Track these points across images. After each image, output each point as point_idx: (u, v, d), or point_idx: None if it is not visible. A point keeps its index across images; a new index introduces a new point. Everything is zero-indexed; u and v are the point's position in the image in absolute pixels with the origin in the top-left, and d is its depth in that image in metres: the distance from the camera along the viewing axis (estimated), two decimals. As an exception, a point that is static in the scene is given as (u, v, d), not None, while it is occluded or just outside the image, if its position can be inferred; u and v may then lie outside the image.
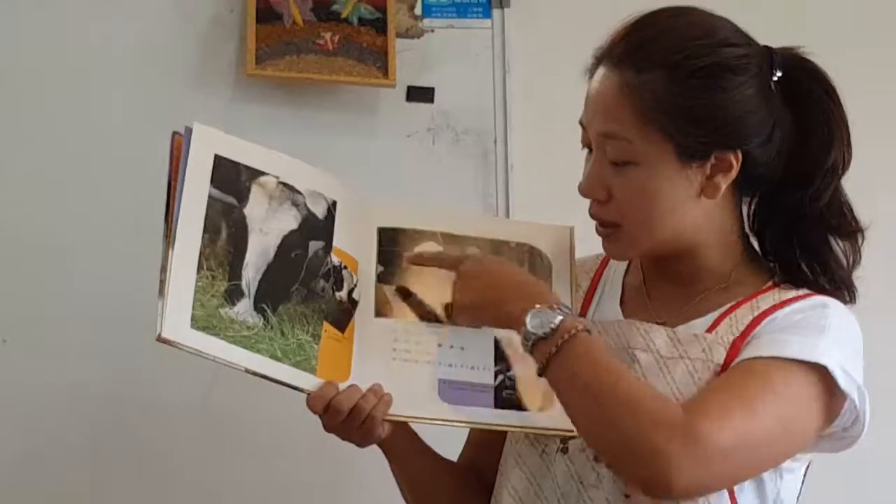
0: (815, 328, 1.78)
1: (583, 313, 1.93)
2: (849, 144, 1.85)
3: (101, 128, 2.61)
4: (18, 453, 2.55)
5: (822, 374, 1.75)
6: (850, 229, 1.86)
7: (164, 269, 1.70)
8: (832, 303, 1.83)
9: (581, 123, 1.85)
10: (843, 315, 1.82)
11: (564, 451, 1.84)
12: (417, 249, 1.91)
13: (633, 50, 1.79)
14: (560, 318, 1.74)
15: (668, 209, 1.81)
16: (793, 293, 1.85)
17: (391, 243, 1.91)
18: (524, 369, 1.84)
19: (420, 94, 2.73)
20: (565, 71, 2.58)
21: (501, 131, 2.75)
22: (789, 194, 1.85)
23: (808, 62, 1.86)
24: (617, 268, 1.98)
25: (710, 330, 1.83)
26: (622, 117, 1.78)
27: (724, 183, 1.80)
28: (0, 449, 2.55)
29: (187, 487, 2.59)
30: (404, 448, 1.92)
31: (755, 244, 1.91)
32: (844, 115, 1.85)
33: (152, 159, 2.52)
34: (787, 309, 1.81)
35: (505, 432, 1.90)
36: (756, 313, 1.82)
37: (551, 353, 1.73)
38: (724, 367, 1.78)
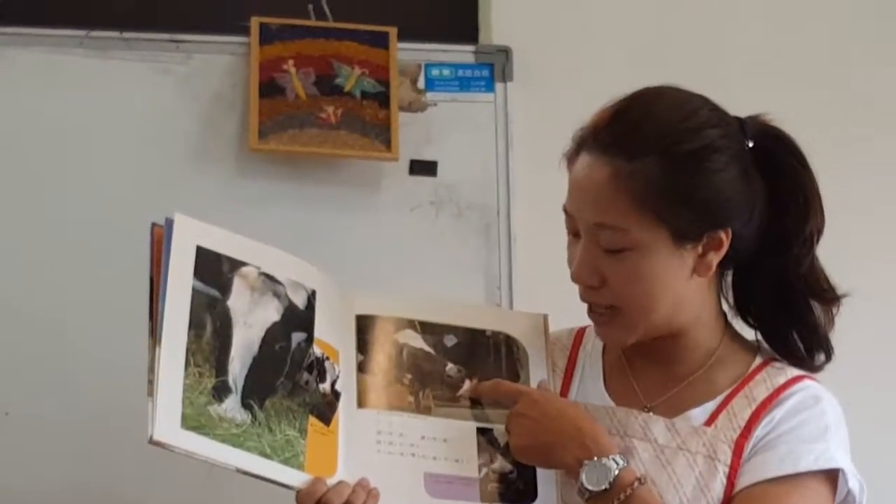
0: (819, 430, 1.81)
1: (563, 393, 1.92)
2: (822, 211, 1.86)
3: (103, 204, 2.60)
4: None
5: (830, 476, 1.79)
6: (832, 296, 1.87)
7: (151, 369, 1.67)
8: (822, 393, 1.85)
9: (566, 210, 1.83)
10: (834, 406, 1.85)
11: None
12: (395, 337, 1.89)
13: (620, 137, 1.77)
14: (616, 471, 1.74)
15: (664, 291, 1.81)
16: (782, 378, 1.86)
17: (370, 331, 1.89)
18: (506, 463, 1.84)
19: (423, 168, 2.72)
20: (568, 144, 2.62)
21: (504, 204, 2.74)
22: (769, 264, 1.85)
23: (778, 130, 1.86)
24: (594, 344, 1.97)
25: (708, 423, 1.83)
26: (617, 206, 1.76)
27: (715, 260, 1.81)
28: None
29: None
30: None
31: (728, 317, 1.92)
32: (816, 182, 1.86)
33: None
34: (783, 409, 1.82)
35: None
36: (754, 406, 1.83)
37: None
38: (732, 469, 1.79)
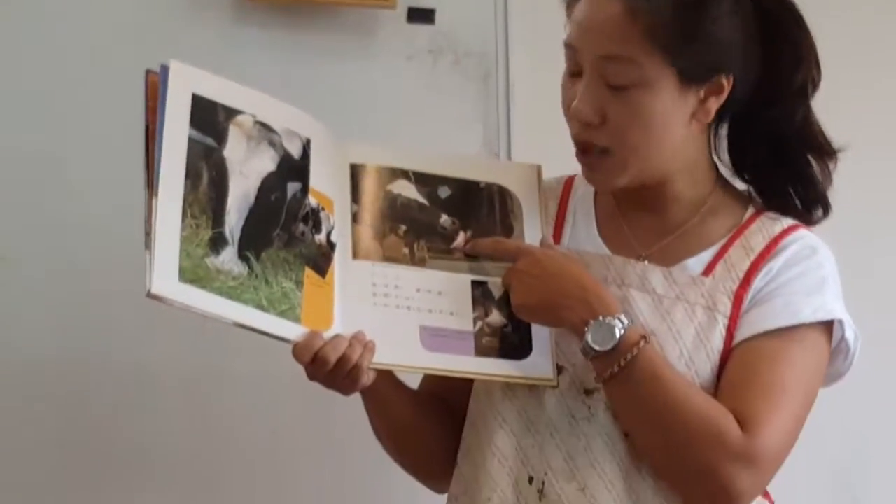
0: (816, 282, 1.83)
1: (555, 240, 1.92)
2: (818, 66, 1.88)
3: (96, 51, 2.55)
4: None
5: (827, 327, 1.82)
6: (829, 150, 1.89)
7: (148, 220, 1.65)
8: (817, 243, 1.87)
9: (569, 45, 1.82)
10: (828, 257, 1.87)
11: (555, 385, 1.84)
12: (389, 187, 1.88)
13: None
14: (621, 331, 1.75)
15: (662, 134, 1.81)
16: (778, 228, 1.87)
17: (363, 181, 1.87)
18: (500, 317, 1.84)
19: (421, 16, 2.67)
20: None
21: (503, 52, 2.69)
22: (763, 116, 1.87)
23: None
24: (584, 192, 1.96)
25: (705, 273, 1.84)
26: (630, 39, 1.77)
27: (715, 107, 1.82)
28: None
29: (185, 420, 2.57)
30: (386, 393, 1.89)
31: (722, 168, 1.93)
32: (812, 39, 1.87)
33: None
34: (781, 259, 1.84)
35: None
36: (752, 257, 1.84)
37: (613, 372, 1.75)
38: (732, 321, 1.81)
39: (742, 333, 1.82)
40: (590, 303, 1.78)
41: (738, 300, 1.82)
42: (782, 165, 1.89)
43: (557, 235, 1.93)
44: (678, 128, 1.81)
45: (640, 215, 1.90)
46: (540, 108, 2.66)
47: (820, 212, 1.91)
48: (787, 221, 1.89)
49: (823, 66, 1.90)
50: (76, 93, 2.55)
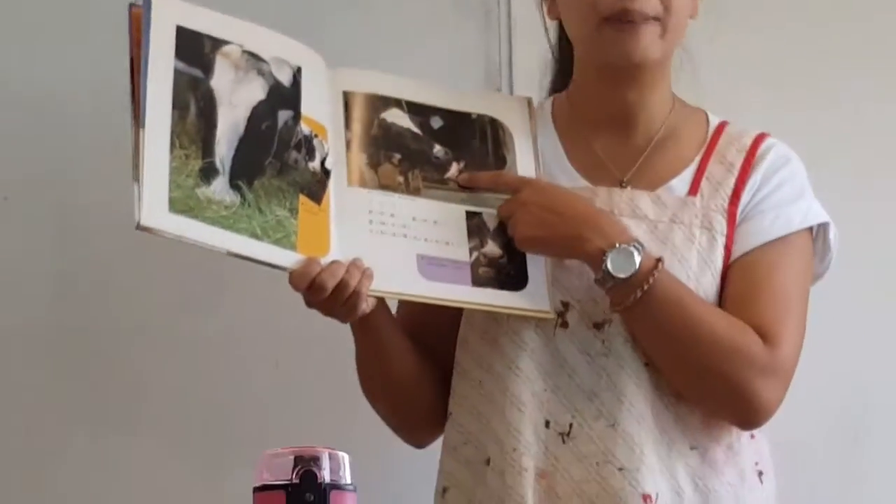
0: (797, 189, 1.88)
1: None
2: None
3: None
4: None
5: (811, 228, 1.88)
6: None
7: (136, 152, 1.64)
8: (788, 150, 1.92)
9: None
10: (799, 161, 1.92)
11: (564, 325, 1.81)
12: (383, 115, 1.86)
13: None
14: (639, 258, 1.73)
15: (686, 9, 1.88)
16: (748, 139, 1.91)
17: (356, 109, 1.85)
18: (496, 248, 1.82)
19: (425, -54, 2.65)
20: None
21: (504, -14, 2.67)
22: None
23: None
24: (543, 120, 1.94)
25: (692, 192, 1.85)
26: None
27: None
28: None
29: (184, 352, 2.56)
30: (381, 324, 1.87)
31: None
32: None
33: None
34: (760, 171, 1.87)
35: None
36: (735, 172, 1.86)
37: (636, 298, 1.74)
38: (728, 238, 1.83)
39: (739, 248, 1.84)
40: (605, 231, 1.76)
41: (731, 217, 1.84)
42: None
43: None
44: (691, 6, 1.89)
45: (607, 139, 1.90)
46: (542, 43, 2.67)
47: None
48: (753, 131, 1.92)
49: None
50: (69, 28, 2.51)
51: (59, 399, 2.48)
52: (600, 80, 1.90)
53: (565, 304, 1.82)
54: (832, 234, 1.90)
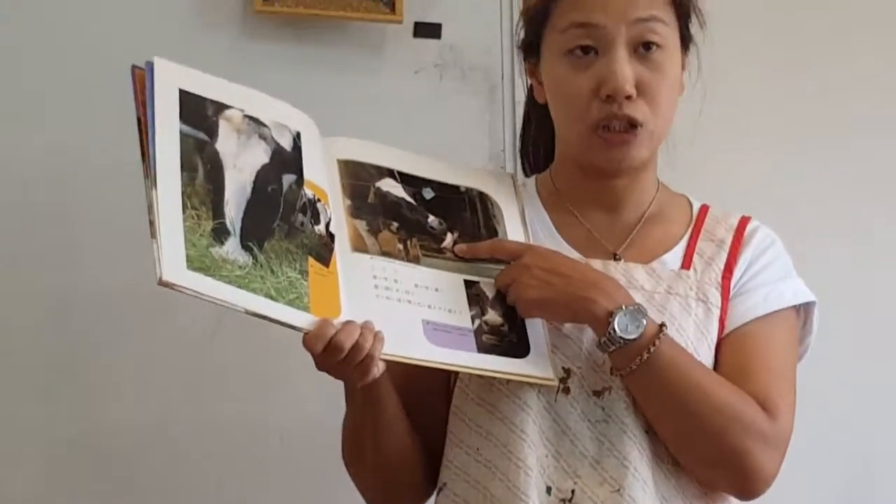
0: (785, 267, 1.91)
1: None
2: None
3: (103, 65, 2.55)
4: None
5: (796, 307, 1.90)
6: None
7: (151, 210, 1.65)
8: (771, 232, 1.95)
9: (587, 24, 1.82)
10: (781, 244, 1.95)
11: (566, 391, 1.80)
12: (378, 184, 1.87)
13: None
14: (644, 320, 1.73)
15: (675, 99, 1.88)
16: (734, 219, 1.94)
17: (353, 177, 1.86)
18: (496, 316, 1.82)
19: (427, 30, 2.67)
20: None
21: (508, 67, 2.68)
22: None
23: None
24: (529, 197, 1.95)
25: (685, 266, 1.86)
26: (657, 2, 1.84)
27: (684, 82, 1.90)
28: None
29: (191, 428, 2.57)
30: (384, 390, 1.84)
31: None
32: None
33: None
34: (751, 248, 1.90)
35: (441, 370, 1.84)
36: (726, 248, 1.89)
37: (641, 361, 1.73)
38: (722, 311, 1.83)
39: (733, 323, 1.84)
40: (610, 293, 1.75)
41: (725, 290, 1.84)
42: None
43: None
44: (676, 96, 1.89)
45: (597, 216, 1.91)
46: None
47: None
48: (736, 213, 1.95)
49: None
50: (85, 100, 2.54)
51: (58, 468, 2.46)
52: (586, 174, 1.91)
53: (567, 371, 1.80)
54: (815, 314, 1.91)
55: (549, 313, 1.80)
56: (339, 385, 2.41)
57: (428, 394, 1.88)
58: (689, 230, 1.91)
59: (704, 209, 1.95)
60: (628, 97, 1.80)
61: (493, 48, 2.69)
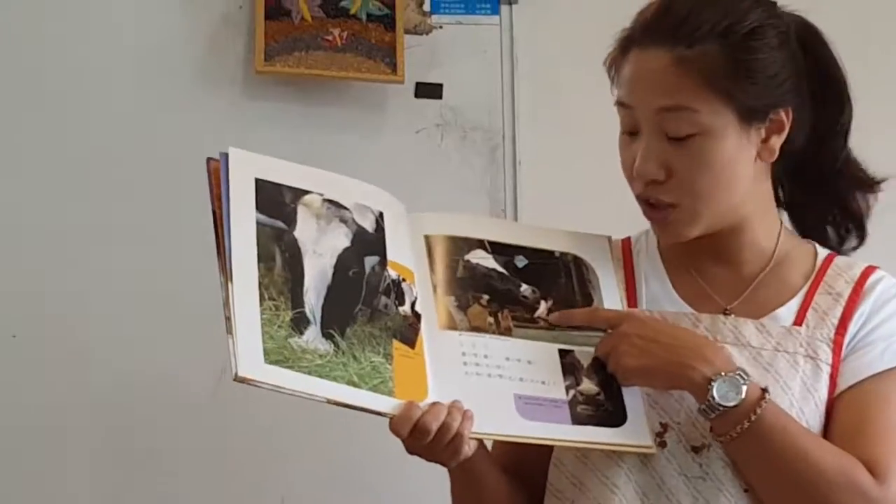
0: None
1: (631, 304, 1.85)
2: (851, 102, 1.86)
3: (108, 125, 2.52)
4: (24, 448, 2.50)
5: None
6: (873, 181, 1.88)
7: (226, 305, 1.59)
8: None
9: (622, 104, 1.76)
10: None
11: (662, 445, 1.76)
12: (467, 257, 1.82)
13: (676, 26, 1.73)
14: (745, 387, 1.68)
15: (730, 178, 1.76)
16: (857, 270, 1.84)
17: (439, 252, 1.80)
18: (592, 385, 1.77)
19: (428, 91, 2.67)
20: (574, 67, 2.59)
21: (510, 127, 2.67)
22: (815, 156, 1.83)
23: (803, 17, 1.84)
24: (648, 249, 1.89)
25: (798, 323, 1.80)
26: (685, 87, 1.72)
27: (778, 144, 1.77)
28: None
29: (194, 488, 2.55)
30: (480, 465, 1.79)
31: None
32: (844, 72, 1.85)
33: (161, 157, 2.55)
34: (870, 301, 1.81)
35: None
36: (843, 303, 1.81)
37: (743, 428, 1.68)
38: (834, 368, 1.78)
39: (846, 380, 1.77)
40: (710, 360, 1.70)
41: (837, 347, 1.78)
42: (844, 210, 1.88)
43: (632, 299, 1.85)
44: (745, 171, 1.76)
45: (713, 268, 1.84)
46: (547, 181, 2.70)
47: (855, 242, 1.89)
48: (862, 264, 1.86)
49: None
50: (84, 162, 2.52)
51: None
52: None
53: (664, 426, 1.75)
54: None
55: (649, 381, 1.75)
56: (340, 446, 2.45)
57: (534, 457, 1.83)
58: (809, 283, 1.83)
59: (830, 259, 1.86)
60: (655, 181, 1.75)
61: (494, 109, 2.68)
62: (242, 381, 1.56)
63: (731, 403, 1.68)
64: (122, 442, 2.50)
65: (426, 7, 2.68)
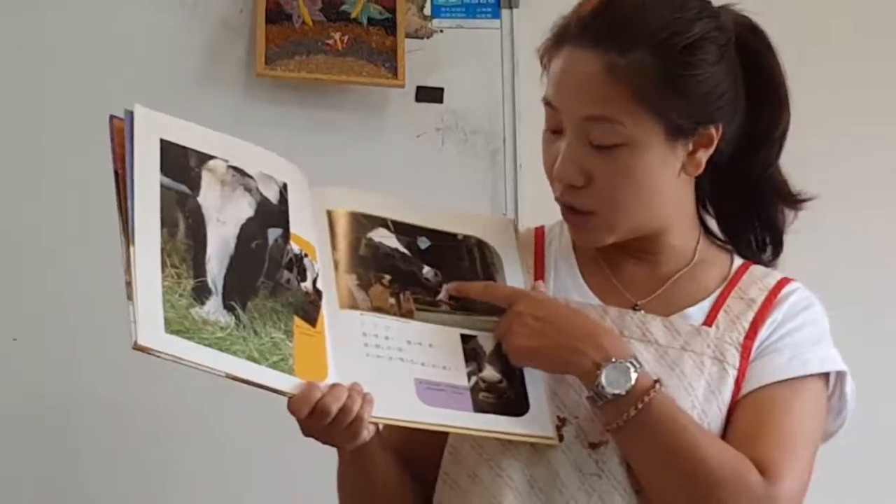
0: (818, 333, 1.76)
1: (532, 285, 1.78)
2: (789, 109, 1.79)
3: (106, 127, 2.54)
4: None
5: (826, 378, 1.75)
6: (797, 198, 1.81)
7: (127, 270, 1.52)
8: (813, 297, 1.79)
9: (548, 104, 1.71)
10: (822, 309, 1.80)
11: (560, 438, 1.70)
12: (370, 236, 1.74)
13: (611, 30, 1.66)
14: (635, 374, 1.63)
15: (652, 190, 1.70)
16: (772, 280, 1.79)
17: (342, 228, 1.73)
18: (494, 372, 1.71)
19: (429, 95, 2.65)
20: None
21: (510, 131, 2.65)
22: (741, 163, 1.77)
23: (752, 21, 1.77)
24: (561, 240, 1.83)
25: (708, 323, 1.74)
26: (613, 98, 1.65)
27: (704, 158, 1.70)
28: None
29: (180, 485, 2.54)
30: (373, 447, 1.73)
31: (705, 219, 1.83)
32: (785, 78, 1.78)
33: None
34: (782, 310, 1.77)
35: None
36: (755, 308, 1.75)
37: (629, 417, 1.63)
38: (740, 372, 1.73)
39: (751, 384, 1.72)
40: (601, 344, 1.64)
41: (746, 352, 1.73)
42: (763, 220, 1.82)
43: (533, 286, 1.78)
44: (667, 183, 1.71)
45: (627, 265, 1.79)
46: (547, 184, 2.68)
47: (770, 255, 1.84)
48: (778, 274, 1.81)
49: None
50: (83, 166, 2.51)
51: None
52: None
53: (562, 420, 1.69)
54: (849, 387, 1.77)
55: (538, 363, 1.70)
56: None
57: (424, 445, 1.76)
58: (723, 286, 1.78)
59: (745, 267, 1.81)
60: (574, 186, 1.69)
61: (495, 112, 2.67)
62: (142, 349, 1.48)
63: (619, 391, 1.62)
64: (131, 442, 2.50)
65: (427, 11, 2.67)
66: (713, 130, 1.70)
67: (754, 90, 1.74)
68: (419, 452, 1.76)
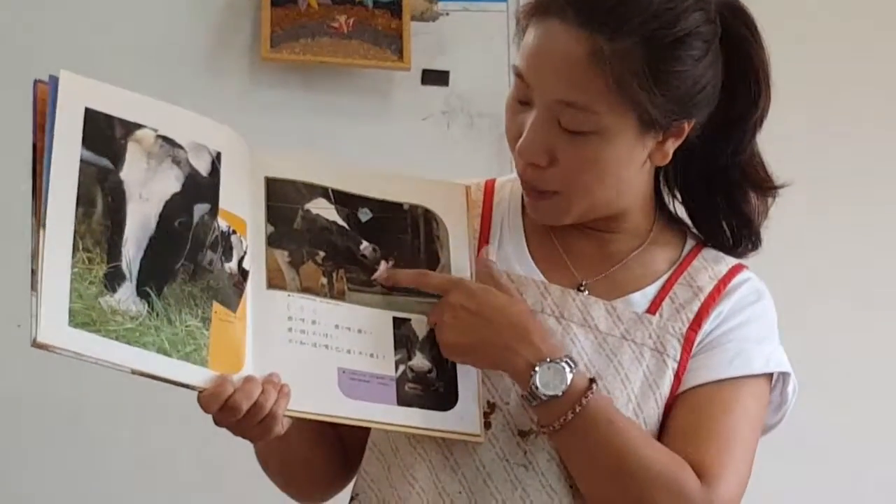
0: (765, 329, 1.68)
1: (480, 256, 1.67)
2: (770, 94, 1.67)
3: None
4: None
5: (770, 377, 1.67)
6: (770, 185, 1.69)
7: (34, 256, 1.39)
8: (762, 286, 1.68)
9: (520, 75, 1.58)
10: (771, 301, 1.69)
11: (488, 426, 1.60)
12: (307, 206, 1.61)
13: (602, 11, 1.56)
14: (571, 375, 1.53)
15: (616, 178, 1.59)
16: (723, 267, 1.68)
17: (280, 198, 1.60)
18: (424, 361, 1.59)
19: (435, 78, 2.58)
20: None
21: (516, 114, 2.66)
22: (711, 149, 1.66)
23: (737, 4, 1.66)
24: (511, 201, 1.72)
25: (651, 311, 1.64)
26: (592, 87, 1.55)
27: (672, 149, 1.60)
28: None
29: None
30: (288, 433, 1.62)
31: (666, 201, 1.72)
32: (768, 62, 1.66)
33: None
34: (730, 302, 1.67)
35: None
36: (702, 298, 1.64)
37: (566, 420, 1.55)
38: (681, 366, 1.64)
39: (691, 379, 1.63)
40: (535, 344, 1.56)
41: (688, 344, 1.65)
42: (720, 199, 1.71)
43: (482, 253, 1.68)
44: (633, 171, 1.62)
45: (578, 240, 1.69)
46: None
47: (749, 246, 1.73)
48: (731, 260, 1.70)
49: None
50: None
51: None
52: None
53: (492, 406, 1.61)
54: (791, 386, 1.69)
55: (471, 360, 1.60)
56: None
57: (349, 428, 1.67)
58: (671, 272, 1.68)
59: (697, 249, 1.71)
60: (536, 165, 1.60)
61: (501, 95, 2.59)
62: (41, 347, 1.35)
63: (554, 393, 1.52)
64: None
65: (432, -7, 2.63)
66: (686, 125, 1.60)
67: (732, 78, 1.65)
68: (344, 433, 1.68)
